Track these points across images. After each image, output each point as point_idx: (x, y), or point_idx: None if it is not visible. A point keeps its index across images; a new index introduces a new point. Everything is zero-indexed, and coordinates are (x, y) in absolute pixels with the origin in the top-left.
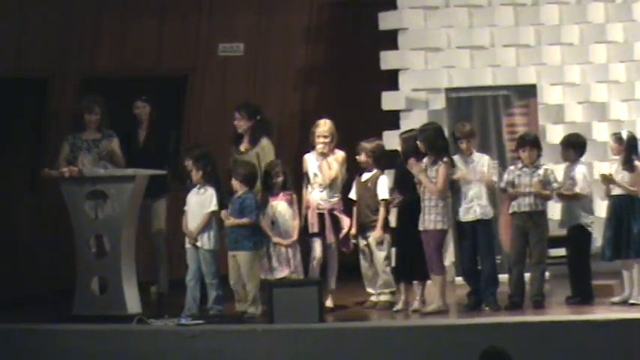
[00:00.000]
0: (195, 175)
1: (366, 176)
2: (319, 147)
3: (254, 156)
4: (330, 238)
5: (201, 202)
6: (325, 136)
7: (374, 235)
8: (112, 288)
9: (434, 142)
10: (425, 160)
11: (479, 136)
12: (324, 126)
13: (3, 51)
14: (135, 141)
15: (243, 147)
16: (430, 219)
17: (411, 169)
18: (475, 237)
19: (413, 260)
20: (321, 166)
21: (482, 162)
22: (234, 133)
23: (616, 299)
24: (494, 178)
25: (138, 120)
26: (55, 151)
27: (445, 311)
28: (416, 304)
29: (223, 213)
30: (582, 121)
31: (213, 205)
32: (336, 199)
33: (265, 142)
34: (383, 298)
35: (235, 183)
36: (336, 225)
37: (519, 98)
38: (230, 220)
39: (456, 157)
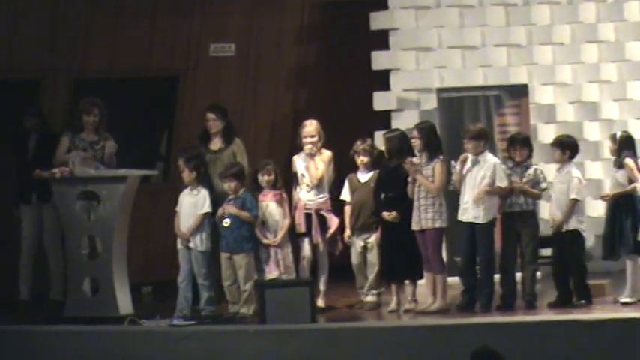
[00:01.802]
0: (189, 176)
1: (365, 177)
2: (307, 147)
3: (230, 154)
4: (317, 238)
5: (194, 203)
6: (312, 136)
7: (377, 235)
8: (103, 289)
9: (431, 140)
10: (415, 159)
11: None
12: (310, 126)
13: None
14: (26, 150)
15: (215, 146)
16: (427, 217)
17: (408, 168)
18: (473, 237)
19: (404, 260)
20: (308, 166)
21: (489, 165)
22: (201, 133)
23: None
24: (503, 184)
25: (27, 129)
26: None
27: (447, 310)
28: (407, 304)
29: (220, 210)
30: (574, 120)
31: (206, 207)
32: (323, 199)
33: (239, 142)
34: (370, 298)
35: (229, 185)
36: (324, 225)
37: (511, 98)
38: (233, 209)
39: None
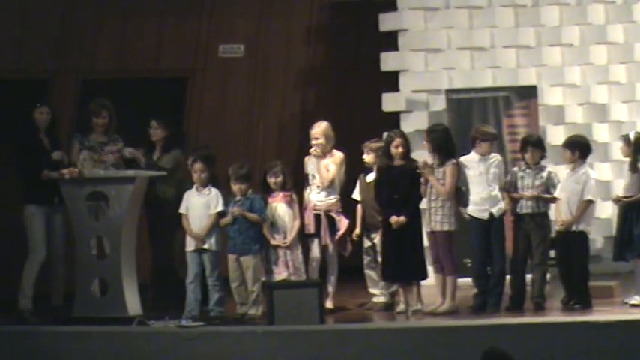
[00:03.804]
0: (200, 176)
1: (371, 177)
2: (311, 149)
3: (164, 164)
4: (326, 239)
5: (206, 203)
6: (316, 139)
7: (381, 234)
8: (112, 289)
9: (443, 144)
10: (428, 160)
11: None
12: (316, 128)
13: (3, 52)
14: (40, 145)
15: (156, 155)
16: (436, 220)
17: (422, 168)
18: (488, 237)
19: (408, 261)
20: (319, 167)
21: (498, 162)
22: (147, 141)
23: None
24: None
25: (37, 125)
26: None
27: (456, 312)
28: (414, 305)
29: (222, 221)
30: (583, 122)
31: (220, 206)
32: (333, 200)
33: (177, 154)
34: (382, 299)
35: (240, 187)
36: (333, 226)
37: (519, 99)
38: (238, 210)
39: (472, 156)
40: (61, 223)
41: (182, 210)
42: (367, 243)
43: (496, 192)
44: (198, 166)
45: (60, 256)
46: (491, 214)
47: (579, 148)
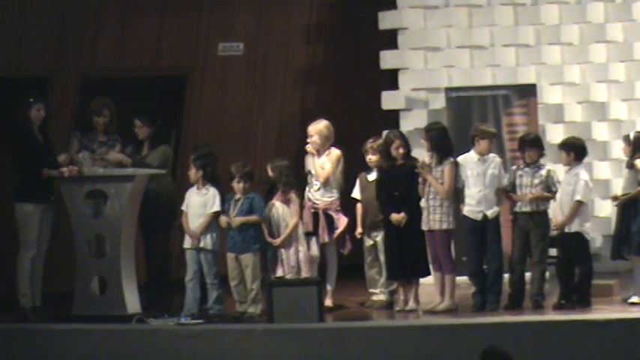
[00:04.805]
0: (195, 174)
1: (373, 176)
2: (306, 146)
3: (151, 161)
4: (324, 237)
5: (203, 202)
6: (310, 136)
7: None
8: (111, 288)
9: (440, 143)
10: (426, 159)
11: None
12: (312, 125)
13: (3, 50)
14: (36, 140)
15: (143, 152)
16: (435, 219)
17: (420, 167)
18: (481, 235)
19: (409, 259)
20: (314, 165)
21: (496, 163)
22: (135, 140)
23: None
24: (504, 182)
25: (32, 121)
26: (55, 150)
27: (455, 310)
28: (411, 304)
29: (223, 219)
30: (582, 120)
31: (216, 206)
32: (331, 198)
33: (163, 148)
34: (382, 297)
35: (244, 185)
36: (332, 224)
37: (519, 98)
38: (238, 219)
39: (471, 155)
40: (50, 221)
41: (183, 207)
42: (368, 242)
43: (492, 194)
44: (192, 165)
45: (42, 256)
46: (485, 216)
47: (574, 150)
